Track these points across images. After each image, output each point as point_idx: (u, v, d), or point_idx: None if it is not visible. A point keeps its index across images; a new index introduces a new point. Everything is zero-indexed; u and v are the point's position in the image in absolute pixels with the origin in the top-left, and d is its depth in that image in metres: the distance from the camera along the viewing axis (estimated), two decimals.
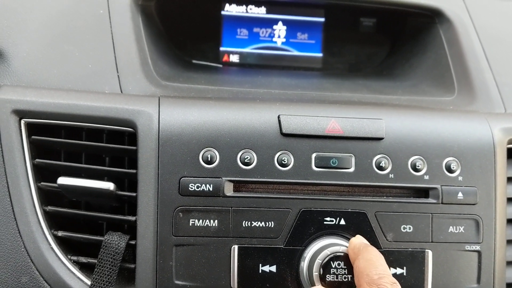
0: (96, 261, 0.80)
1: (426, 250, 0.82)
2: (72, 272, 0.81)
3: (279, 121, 0.82)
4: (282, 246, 0.80)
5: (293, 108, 0.84)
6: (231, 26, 1.15)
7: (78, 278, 0.81)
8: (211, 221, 0.79)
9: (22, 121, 0.82)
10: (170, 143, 0.80)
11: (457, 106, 0.96)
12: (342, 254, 0.76)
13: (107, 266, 0.79)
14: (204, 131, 0.80)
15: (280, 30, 1.16)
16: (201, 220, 0.79)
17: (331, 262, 0.75)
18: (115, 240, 0.80)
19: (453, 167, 0.83)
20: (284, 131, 0.81)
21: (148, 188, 0.79)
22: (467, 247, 0.83)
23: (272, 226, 0.80)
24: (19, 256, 0.80)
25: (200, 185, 0.79)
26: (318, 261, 0.76)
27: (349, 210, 0.81)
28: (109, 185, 0.80)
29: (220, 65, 1.16)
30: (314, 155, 0.82)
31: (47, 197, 0.84)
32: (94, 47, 0.91)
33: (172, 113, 0.81)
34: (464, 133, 0.85)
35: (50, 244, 0.81)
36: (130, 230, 0.83)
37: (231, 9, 1.14)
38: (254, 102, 0.85)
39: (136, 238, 0.79)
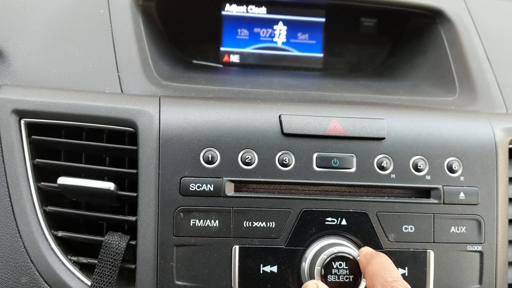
0: (96, 261, 0.80)
1: (428, 250, 0.82)
2: (72, 272, 0.81)
3: (280, 121, 0.82)
4: (283, 247, 0.79)
5: (294, 108, 0.84)
6: (232, 26, 1.15)
7: (78, 278, 0.81)
8: (212, 221, 0.79)
9: (22, 121, 0.82)
10: (170, 143, 0.79)
11: (459, 106, 0.96)
12: (343, 254, 0.75)
13: (107, 267, 0.79)
14: (205, 131, 0.80)
15: (280, 30, 1.16)
16: (202, 220, 0.79)
17: (333, 262, 0.75)
18: (116, 241, 0.80)
19: (455, 167, 0.83)
20: (285, 131, 0.81)
21: (148, 188, 0.79)
22: (469, 248, 0.83)
23: (273, 226, 0.79)
24: (19, 256, 0.80)
25: (201, 185, 0.79)
26: (319, 261, 0.76)
27: (351, 210, 0.81)
28: (110, 185, 0.80)
29: (221, 65, 1.16)
30: (315, 155, 0.81)
31: (47, 197, 0.83)
32: (95, 47, 0.91)
33: (173, 113, 0.81)
34: (466, 133, 0.85)
35: (50, 245, 0.81)
36: (131, 230, 0.83)
37: (231, 9, 1.14)
38: (255, 102, 0.85)
39: (137, 238, 0.79)
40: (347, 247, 0.77)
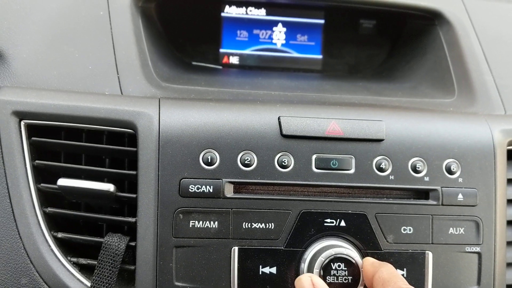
0: (96, 262, 0.80)
1: (426, 251, 0.82)
2: (72, 273, 0.81)
3: (279, 122, 0.82)
4: (282, 248, 0.80)
5: (293, 109, 0.84)
6: (231, 28, 1.16)
7: (78, 279, 0.81)
8: (211, 222, 0.79)
9: (22, 123, 0.82)
10: (170, 144, 0.80)
11: (457, 108, 0.96)
12: (342, 255, 0.76)
13: (107, 268, 0.79)
14: (204, 132, 0.80)
15: (280, 32, 1.16)
16: (201, 222, 0.79)
17: (332, 263, 0.75)
18: (115, 242, 0.80)
19: (453, 169, 0.83)
20: (284, 132, 0.81)
21: (148, 190, 0.79)
22: (467, 249, 0.83)
23: (272, 227, 0.80)
24: (19, 257, 0.80)
25: (200, 187, 0.79)
26: (318, 262, 0.76)
27: (350, 211, 0.81)
28: (109, 187, 0.80)
29: (220, 67, 1.16)
30: (314, 157, 0.81)
31: (47, 198, 0.83)
32: (94, 49, 0.91)
33: (172, 115, 0.81)
34: (464, 135, 0.85)
35: (50, 246, 0.81)
36: (130, 231, 0.83)
37: (231, 11, 1.14)
38: (254, 104, 0.85)
39: (136, 240, 0.79)
40: (346, 249, 0.77)
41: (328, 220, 0.81)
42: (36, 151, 0.84)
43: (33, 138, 0.82)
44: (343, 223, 0.81)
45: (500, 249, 0.85)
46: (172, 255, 0.78)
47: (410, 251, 0.82)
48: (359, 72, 1.21)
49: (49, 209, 0.82)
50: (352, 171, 0.82)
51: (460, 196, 0.83)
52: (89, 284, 0.80)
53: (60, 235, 0.82)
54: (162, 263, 0.78)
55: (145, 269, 0.79)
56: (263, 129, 0.81)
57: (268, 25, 1.16)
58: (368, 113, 0.86)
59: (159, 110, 0.82)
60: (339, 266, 0.75)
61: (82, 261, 0.82)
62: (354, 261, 0.76)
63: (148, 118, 0.81)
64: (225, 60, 1.16)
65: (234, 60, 1.16)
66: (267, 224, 0.80)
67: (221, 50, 1.16)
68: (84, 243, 0.83)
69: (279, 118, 0.82)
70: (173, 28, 1.12)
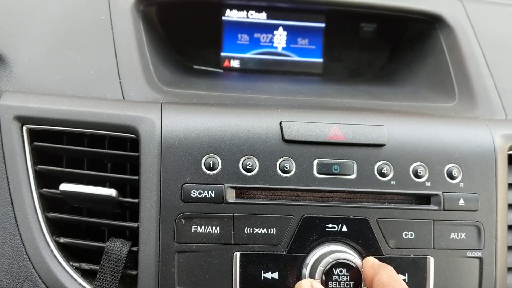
0: (98, 267, 0.80)
1: (428, 256, 0.82)
2: (74, 278, 0.81)
3: (281, 127, 0.82)
4: (284, 253, 0.80)
5: (295, 114, 0.84)
6: (232, 32, 1.16)
7: (80, 284, 0.81)
8: (213, 227, 0.79)
9: (24, 128, 0.82)
10: (172, 149, 0.80)
11: (458, 112, 0.96)
12: (344, 261, 0.76)
13: (109, 273, 0.79)
14: (206, 137, 0.80)
15: (280, 35, 1.17)
16: (203, 227, 0.79)
17: (333, 269, 0.76)
18: (117, 247, 0.80)
19: (455, 174, 0.84)
20: (286, 137, 0.81)
21: (150, 195, 0.79)
22: (469, 254, 0.84)
23: (274, 232, 0.80)
24: (21, 262, 0.80)
25: (202, 192, 0.79)
26: (320, 268, 0.76)
27: (351, 216, 0.81)
28: (111, 192, 0.80)
29: (221, 70, 1.16)
30: (316, 162, 0.82)
31: (49, 203, 0.83)
32: (96, 53, 0.91)
33: (174, 120, 0.81)
34: (465, 140, 0.86)
35: (52, 251, 0.81)
36: (132, 236, 0.83)
37: (232, 15, 1.14)
38: (256, 109, 0.86)
39: (138, 245, 0.79)
40: (348, 254, 0.77)
41: (330, 225, 0.81)
42: (38, 156, 0.84)
43: (35, 143, 0.82)
44: (345, 228, 0.81)
45: (502, 254, 0.85)
46: (174, 260, 0.79)
47: (411, 256, 0.82)
48: (360, 75, 1.21)
49: (51, 214, 0.82)
50: (353, 176, 0.82)
51: (461, 201, 0.83)
52: None
53: (62, 240, 0.82)
54: (164, 268, 0.78)
55: (147, 274, 0.79)
56: (264, 134, 0.82)
57: (269, 29, 1.16)
58: (370, 118, 0.86)
59: (161, 115, 0.82)
60: (341, 271, 0.75)
61: (84, 266, 0.82)
62: (356, 267, 0.76)
63: (150, 123, 0.81)
64: (226, 63, 1.16)
65: (235, 63, 1.16)
66: (269, 229, 0.80)
67: (222, 54, 1.16)
68: (86, 248, 0.83)
69: (280, 123, 0.82)
70: (174, 32, 1.12)
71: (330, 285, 0.75)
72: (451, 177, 0.84)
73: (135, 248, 0.80)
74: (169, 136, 0.80)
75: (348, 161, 0.82)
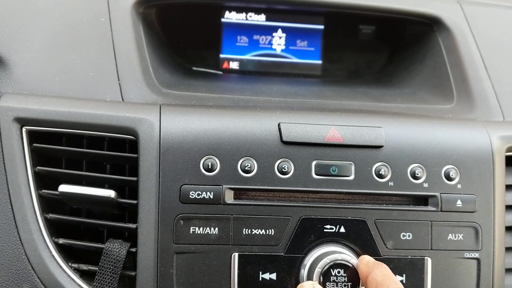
0: (97, 268, 0.80)
1: (426, 257, 0.82)
2: (73, 279, 0.81)
3: (280, 129, 0.82)
4: (282, 254, 0.80)
5: (293, 116, 0.85)
6: (231, 33, 1.16)
7: (79, 285, 0.81)
8: (212, 228, 0.79)
9: (24, 129, 0.83)
10: (171, 151, 0.80)
11: (456, 114, 0.96)
12: (342, 262, 0.76)
13: (108, 274, 0.79)
14: (205, 139, 0.81)
15: (279, 37, 1.17)
16: (201, 228, 0.79)
17: (331, 269, 0.76)
18: (116, 248, 0.80)
19: (452, 175, 0.84)
20: (284, 139, 0.82)
21: (149, 196, 0.79)
22: (466, 255, 0.84)
23: (273, 233, 0.80)
24: (20, 263, 0.81)
25: (200, 193, 0.79)
26: (318, 269, 0.77)
27: (349, 217, 0.82)
28: (110, 193, 0.81)
29: (220, 72, 1.16)
30: (314, 163, 0.82)
31: (48, 204, 0.84)
32: (96, 55, 0.92)
33: (173, 121, 0.82)
34: (463, 141, 0.86)
35: (51, 252, 0.81)
36: (131, 237, 0.83)
37: (231, 17, 1.15)
38: (254, 110, 0.86)
39: (137, 246, 0.79)
40: (345, 255, 0.78)
41: (328, 226, 0.81)
42: (38, 157, 0.84)
43: (34, 145, 0.83)
44: (342, 229, 0.81)
45: (499, 255, 0.85)
46: (172, 261, 0.79)
47: (409, 257, 0.82)
48: (359, 77, 1.22)
49: (50, 215, 0.83)
50: (351, 177, 0.82)
51: (459, 202, 0.83)
52: None
53: (61, 241, 0.82)
54: (163, 269, 0.79)
55: (145, 275, 0.79)
56: (263, 136, 0.82)
57: (268, 31, 1.17)
58: (368, 119, 0.86)
59: (160, 117, 0.82)
60: (338, 272, 0.76)
61: (83, 267, 0.82)
62: (353, 267, 0.76)
63: (149, 124, 0.81)
64: (225, 65, 1.17)
65: (234, 65, 1.17)
66: (267, 230, 0.80)
67: (221, 56, 1.16)
68: (85, 249, 0.83)
69: (279, 125, 0.83)
70: (174, 34, 1.13)
71: (328, 286, 0.75)
72: (449, 178, 0.84)
73: (133, 249, 0.80)
74: (168, 137, 0.81)
75: (346, 163, 0.83)
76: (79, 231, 0.88)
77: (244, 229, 0.80)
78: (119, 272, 0.80)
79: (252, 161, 0.81)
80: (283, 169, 0.81)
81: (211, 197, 0.79)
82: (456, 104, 0.99)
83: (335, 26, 1.18)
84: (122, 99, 0.89)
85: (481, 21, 1.08)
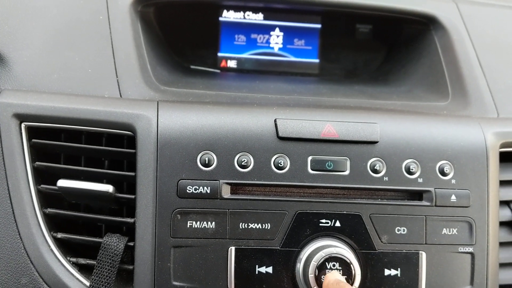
0: (95, 262, 0.81)
1: (420, 251, 0.83)
2: (71, 273, 0.82)
3: (276, 125, 0.83)
4: (278, 248, 0.81)
5: (290, 112, 0.85)
6: (229, 32, 1.17)
7: (77, 279, 0.82)
8: (209, 223, 0.80)
9: (23, 125, 0.83)
10: (168, 146, 0.81)
11: (451, 111, 0.97)
12: (337, 255, 0.77)
13: (106, 268, 0.80)
14: (202, 134, 0.82)
15: (277, 36, 1.18)
16: (198, 222, 0.80)
17: (326, 263, 0.77)
18: (114, 242, 0.81)
19: (447, 170, 0.85)
20: (280, 134, 0.83)
21: (146, 191, 0.80)
22: (460, 249, 0.85)
23: (269, 228, 0.81)
24: (19, 257, 0.81)
25: (198, 188, 0.80)
26: (313, 262, 0.77)
27: (344, 212, 0.82)
28: (108, 188, 0.81)
29: (218, 71, 1.17)
30: (310, 158, 0.83)
31: (47, 199, 0.85)
32: (94, 53, 0.93)
33: (171, 117, 0.83)
34: (458, 137, 0.87)
35: (49, 246, 0.82)
36: (129, 232, 0.84)
37: (229, 16, 1.16)
38: (251, 107, 0.87)
39: (135, 240, 0.80)
40: (341, 249, 0.79)
41: (324, 221, 0.82)
42: (37, 153, 0.85)
43: (33, 140, 0.84)
44: (338, 224, 0.82)
45: (493, 249, 0.86)
46: (170, 255, 0.80)
47: (404, 251, 0.83)
48: (356, 76, 1.22)
49: (49, 210, 0.83)
50: (347, 172, 0.83)
51: (453, 197, 0.84)
52: (88, 283, 0.81)
53: (59, 235, 0.83)
54: (160, 263, 0.80)
55: (143, 269, 0.80)
56: (259, 131, 0.83)
57: (266, 30, 1.18)
58: (363, 115, 0.87)
59: (158, 113, 0.83)
60: (333, 265, 0.77)
61: (82, 261, 0.83)
62: (348, 261, 0.77)
63: (146, 120, 0.82)
64: (223, 64, 1.18)
65: (232, 64, 1.18)
66: (264, 225, 0.81)
67: (219, 54, 1.17)
68: (84, 243, 0.84)
69: (275, 121, 0.83)
70: (172, 32, 1.14)
71: (323, 279, 0.76)
72: (443, 173, 0.85)
73: (131, 243, 0.81)
74: (166, 133, 0.81)
75: (341, 158, 0.83)
76: (78, 225, 0.88)
77: (241, 223, 0.81)
78: (117, 266, 0.80)
79: (248, 156, 0.82)
80: (279, 164, 0.82)
81: (208, 191, 0.80)
82: (451, 102, 1.00)
83: (333, 25, 1.19)
84: (120, 96, 0.89)
85: (476, 20, 1.09)
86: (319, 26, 1.18)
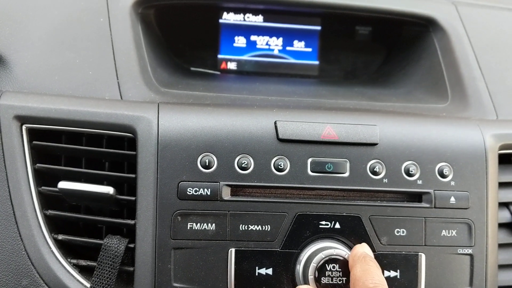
0: (95, 264, 0.81)
1: (419, 253, 0.83)
2: (72, 275, 0.82)
3: (276, 126, 0.83)
4: (278, 249, 0.81)
5: (290, 114, 0.86)
6: (229, 34, 1.17)
7: (78, 281, 0.82)
8: (209, 224, 0.81)
9: (24, 127, 0.84)
10: (169, 148, 0.81)
11: (450, 113, 0.98)
12: (336, 257, 0.77)
13: (106, 269, 0.80)
14: (202, 136, 0.82)
15: (277, 38, 1.18)
16: (199, 224, 0.80)
17: (326, 265, 0.77)
18: (115, 244, 0.81)
19: (446, 172, 0.85)
20: (280, 136, 0.83)
21: (147, 192, 0.80)
22: (460, 251, 0.85)
23: (269, 229, 0.81)
24: (20, 259, 0.82)
25: (198, 189, 0.80)
26: (313, 264, 0.78)
27: (344, 214, 0.83)
28: (109, 189, 0.82)
29: (218, 72, 1.17)
30: (309, 160, 0.83)
31: (47, 201, 0.85)
32: (95, 54, 0.93)
33: (171, 119, 0.83)
34: (457, 139, 0.87)
35: (50, 248, 0.82)
36: (129, 233, 0.84)
37: (229, 18, 1.16)
38: (251, 108, 0.87)
39: (135, 242, 0.81)
40: (340, 250, 0.79)
41: (323, 223, 0.82)
42: (37, 154, 0.85)
43: (34, 142, 0.84)
44: (337, 225, 0.82)
45: (492, 251, 0.86)
46: (170, 257, 0.80)
47: (403, 252, 0.83)
48: (355, 77, 1.23)
49: (50, 212, 0.84)
50: (346, 174, 0.83)
51: (452, 199, 0.85)
52: (88, 285, 0.82)
53: (60, 237, 0.84)
54: (161, 264, 0.80)
55: (144, 271, 0.80)
56: (259, 133, 0.83)
57: (266, 32, 1.18)
58: (363, 117, 0.87)
59: (158, 115, 0.83)
60: (333, 267, 0.77)
61: (82, 262, 0.83)
62: (348, 262, 0.77)
63: (147, 122, 0.82)
64: (223, 66, 1.18)
65: (232, 66, 1.18)
66: (264, 226, 0.81)
67: (219, 56, 1.18)
68: (84, 245, 0.85)
69: (275, 123, 0.84)
70: (172, 35, 1.14)
71: (323, 281, 0.76)
72: (443, 175, 0.85)
73: (132, 245, 0.81)
74: (166, 135, 0.82)
75: (341, 160, 0.84)
76: (78, 227, 0.89)
77: (241, 225, 0.81)
78: (118, 267, 0.80)
79: (248, 158, 0.82)
80: (279, 166, 0.82)
81: (208, 193, 0.81)
82: (451, 103, 1.01)
83: (332, 27, 1.19)
84: (121, 98, 0.90)
85: (475, 22, 1.09)
86: (319, 28, 1.19)
